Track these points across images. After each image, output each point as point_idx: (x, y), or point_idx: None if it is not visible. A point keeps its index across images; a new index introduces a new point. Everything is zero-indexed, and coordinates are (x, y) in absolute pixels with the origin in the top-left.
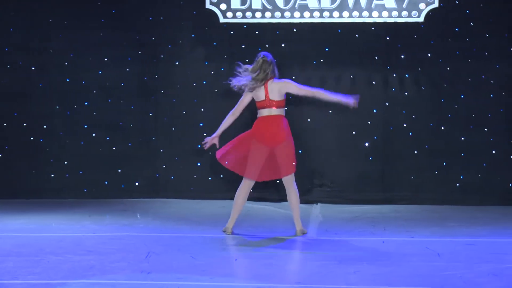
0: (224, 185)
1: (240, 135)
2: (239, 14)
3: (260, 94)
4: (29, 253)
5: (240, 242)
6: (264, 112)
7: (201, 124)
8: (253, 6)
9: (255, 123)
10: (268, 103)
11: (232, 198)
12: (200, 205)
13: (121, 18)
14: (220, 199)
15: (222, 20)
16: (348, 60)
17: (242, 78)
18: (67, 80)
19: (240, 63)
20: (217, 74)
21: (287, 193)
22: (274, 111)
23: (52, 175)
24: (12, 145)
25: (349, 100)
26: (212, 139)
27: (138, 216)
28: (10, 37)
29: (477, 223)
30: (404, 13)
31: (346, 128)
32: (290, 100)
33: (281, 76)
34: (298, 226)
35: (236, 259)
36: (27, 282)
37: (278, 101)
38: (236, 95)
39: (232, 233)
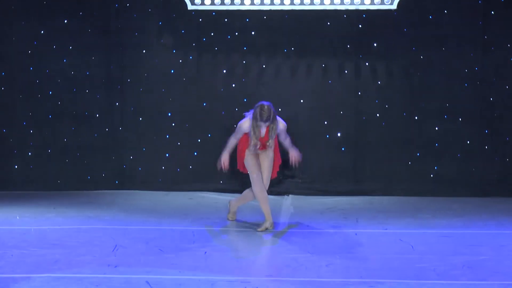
0: (192, 176)
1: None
2: (207, 1)
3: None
4: None
5: (209, 235)
6: None
7: (169, 114)
8: None
9: None
10: None
11: (200, 190)
12: (168, 197)
13: (86, 4)
14: (188, 190)
15: (190, 7)
16: (319, 49)
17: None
18: (31, 68)
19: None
20: (185, 63)
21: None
22: None
23: (16, 166)
24: None
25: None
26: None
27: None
28: None
29: (452, 214)
30: (377, 0)
31: (317, 118)
32: (262, 92)
33: (250, 66)
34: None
35: (205, 252)
36: None
37: None
38: (202, 84)
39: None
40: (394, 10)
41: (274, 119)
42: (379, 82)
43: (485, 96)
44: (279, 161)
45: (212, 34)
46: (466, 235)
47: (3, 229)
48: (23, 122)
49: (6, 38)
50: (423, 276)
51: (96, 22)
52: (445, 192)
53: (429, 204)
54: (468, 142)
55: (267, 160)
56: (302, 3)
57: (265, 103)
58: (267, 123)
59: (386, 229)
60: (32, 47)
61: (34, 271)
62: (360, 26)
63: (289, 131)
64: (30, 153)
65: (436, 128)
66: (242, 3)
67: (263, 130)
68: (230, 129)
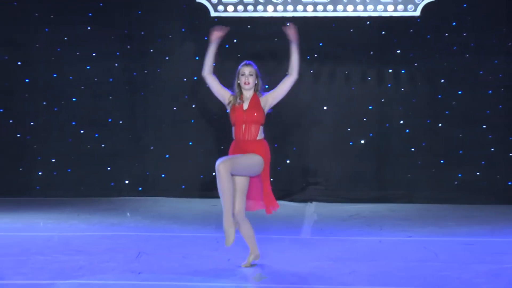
0: (216, 183)
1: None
2: (230, 7)
3: None
4: (16, 253)
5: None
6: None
7: (192, 121)
8: (245, 0)
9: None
10: None
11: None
12: (191, 203)
13: (109, 12)
14: (211, 197)
15: (213, 14)
16: (342, 55)
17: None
18: (54, 75)
19: None
20: None
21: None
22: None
23: (40, 173)
24: None
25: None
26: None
27: (128, 215)
28: None
29: (476, 222)
30: (400, 7)
31: (341, 125)
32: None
33: (273, 72)
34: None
35: (229, 259)
36: (13, 282)
37: None
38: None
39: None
40: (418, 16)
41: (258, 76)
42: (402, 89)
43: (509, 103)
44: (268, 186)
45: (235, 40)
46: (490, 243)
47: (26, 236)
48: (47, 129)
49: (30, 45)
50: (447, 284)
51: (119, 29)
52: (468, 200)
53: (452, 211)
54: (492, 149)
55: (244, 179)
56: (325, 10)
57: None
58: (250, 67)
59: (410, 236)
60: (56, 54)
61: (57, 278)
62: (383, 32)
63: (312, 138)
64: (53, 160)
65: (460, 135)
66: (265, 10)
67: (248, 95)
68: None
